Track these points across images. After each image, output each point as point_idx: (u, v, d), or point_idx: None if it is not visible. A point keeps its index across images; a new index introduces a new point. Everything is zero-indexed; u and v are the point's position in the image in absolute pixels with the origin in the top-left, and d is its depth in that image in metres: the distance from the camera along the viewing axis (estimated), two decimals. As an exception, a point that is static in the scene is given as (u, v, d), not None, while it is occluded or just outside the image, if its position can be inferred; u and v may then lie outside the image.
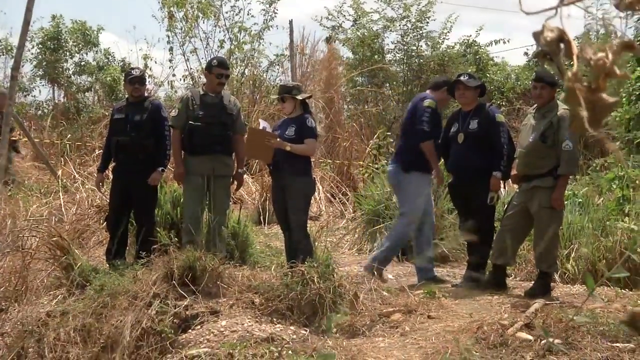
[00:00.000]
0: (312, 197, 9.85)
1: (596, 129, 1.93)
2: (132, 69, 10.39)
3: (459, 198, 8.90)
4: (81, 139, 18.04)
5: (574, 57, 1.95)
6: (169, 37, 19.86)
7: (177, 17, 19.62)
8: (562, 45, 2.00)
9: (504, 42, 22.36)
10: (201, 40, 19.93)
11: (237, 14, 19.97)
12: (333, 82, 19.31)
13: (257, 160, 15.32)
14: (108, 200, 9.76)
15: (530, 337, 6.22)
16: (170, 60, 20.15)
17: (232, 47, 19.59)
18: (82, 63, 21.86)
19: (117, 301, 7.46)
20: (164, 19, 19.70)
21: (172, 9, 19.49)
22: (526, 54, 24.19)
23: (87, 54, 22.09)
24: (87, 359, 7.18)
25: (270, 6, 19.95)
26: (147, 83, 10.03)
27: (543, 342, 6.08)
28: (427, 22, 21.65)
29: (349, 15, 22.21)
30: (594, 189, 12.11)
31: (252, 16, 20.20)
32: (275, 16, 20.04)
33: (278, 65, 20.53)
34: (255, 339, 6.70)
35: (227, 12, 19.99)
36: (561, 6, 1.94)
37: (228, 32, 19.90)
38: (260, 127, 9.25)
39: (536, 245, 8.26)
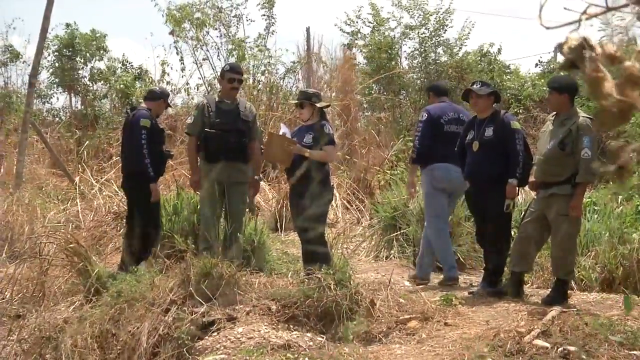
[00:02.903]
0: (330, 204, 9.82)
1: (622, 123, 1.93)
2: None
3: (475, 205, 8.88)
4: (99, 146, 18.16)
5: (597, 52, 1.95)
6: (177, 48, 20.20)
7: (186, 28, 19.92)
8: (585, 53, 2.00)
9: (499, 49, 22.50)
10: (215, 48, 20.22)
11: (239, 22, 20.27)
12: (348, 89, 19.31)
13: (273, 168, 15.37)
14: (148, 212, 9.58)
15: (547, 345, 6.20)
16: (183, 70, 20.40)
17: (239, 55, 19.71)
18: (96, 70, 21.93)
19: (134, 308, 7.48)
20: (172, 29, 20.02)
21: (175, 26, 19.78)
22: (540, 62, 24.09)
23: (98, 61, 22.17)
24: (104, 365, 7.22)
25: (269, 10, 20.21)
26: None
27: (560, 349, 6.06)
28: (445, 30, 21.72)
29: (369, 22, 22.23)
30: (612, 197, 12.05)
31: (253, 21, 20.55)
32: (274, 22, 20.38)
33: (294, 72, 20.60)
34: (272, 346, 6.70)
35: (231, 22, 20.28)
36: (581, 20, 1.94)
37: (232, 42, 20.13)
38: (281, 132, 9.24)
39: (553, 253, 8.23)
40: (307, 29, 20.62)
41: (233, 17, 20.35)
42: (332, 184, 9.46)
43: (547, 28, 2.00)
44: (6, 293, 9.27)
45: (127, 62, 22.35)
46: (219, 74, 9.50)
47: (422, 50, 21.84)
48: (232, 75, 9.24)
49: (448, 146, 9.24)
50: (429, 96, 10.06)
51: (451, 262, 9.46)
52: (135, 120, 9.42)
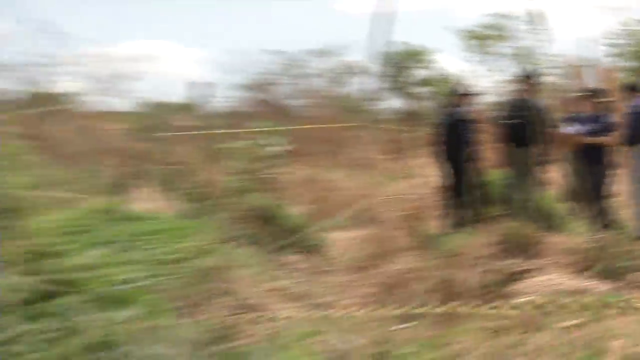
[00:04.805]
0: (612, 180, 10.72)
1: None
2: None
3: None
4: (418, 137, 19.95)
5: None
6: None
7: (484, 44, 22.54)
8: None
9: None
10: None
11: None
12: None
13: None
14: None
15: None
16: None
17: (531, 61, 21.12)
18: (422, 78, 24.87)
19: (459, 259, 8.66)
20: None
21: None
22: None
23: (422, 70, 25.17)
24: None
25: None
26: None
27: None
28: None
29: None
30: None
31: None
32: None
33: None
34: (570, 290, 7.34)
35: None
36: None
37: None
38: (567, 130, 10.62)
39: None
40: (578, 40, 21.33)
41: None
42: (616, 163, 10.55)
43: None
44: (353, 251, 10.43)
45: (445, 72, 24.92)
46: (523, 75, 11.17)
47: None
48: (536, 80, 11.09)
49: None
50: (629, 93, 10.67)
51: None
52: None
